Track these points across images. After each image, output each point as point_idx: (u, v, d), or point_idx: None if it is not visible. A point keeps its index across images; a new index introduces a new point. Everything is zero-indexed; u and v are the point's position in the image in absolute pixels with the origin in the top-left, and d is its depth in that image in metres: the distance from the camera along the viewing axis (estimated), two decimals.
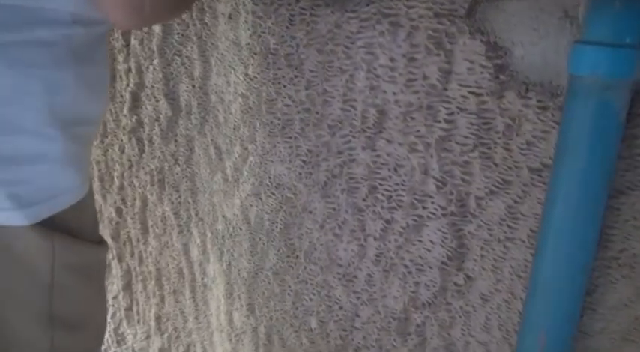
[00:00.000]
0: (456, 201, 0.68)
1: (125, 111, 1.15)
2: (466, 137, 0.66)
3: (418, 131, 0.69)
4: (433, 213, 0.71)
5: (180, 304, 1.18)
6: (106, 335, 1.43)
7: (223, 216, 1.01)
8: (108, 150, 1.24)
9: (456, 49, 0.64)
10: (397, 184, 0.73)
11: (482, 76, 0.63)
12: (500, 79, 0.62)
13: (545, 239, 0.58)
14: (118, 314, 1.37)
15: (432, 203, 0.71)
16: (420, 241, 0.73)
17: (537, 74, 0.60)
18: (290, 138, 0.85)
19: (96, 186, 1.30)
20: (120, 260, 1.30)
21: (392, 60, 0.70)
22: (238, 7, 0.88)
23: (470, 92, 0.65)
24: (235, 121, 0.94)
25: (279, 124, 0.86)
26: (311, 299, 0.89)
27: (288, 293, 0.92)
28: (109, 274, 1.36)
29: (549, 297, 0.59)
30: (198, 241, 1.08)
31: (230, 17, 0.91)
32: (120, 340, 1.39)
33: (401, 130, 0.71)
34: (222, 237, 1.02)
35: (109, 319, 1.40)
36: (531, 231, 0.63)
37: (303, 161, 0.84)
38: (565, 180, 0.56)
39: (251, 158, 0.93)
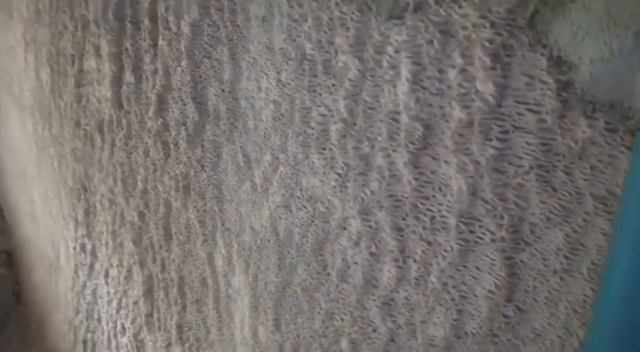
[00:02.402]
0: (508, 227, 0.63)
1: (150, 114, 1.11)
2: (521, 158, 0.61)
3: (467, 149, 0.64)
4: (481, 238, 0.66)
5: (202, 314, 1.14)
6: (125, 340, 1.41)
7: (251, 227, 0.97)
8: (132, 153, 1.20)
9: (513, 63, 0.59)
10: (441, 204, 0.68)
11: (543, 92, 0.58)
12: (563, 96, 0.56)
13: (610, 275, 0.53)
14: (138, 320, 1.34)
15: (480, 227, 0.65)
16: (464, 266, 0.68)
17: (607, 93, 0.54)
18: (324, 149, 0.81)
19: (118, 188, 1.27)
20: (141, 265, 1.27)
21: (440, 71, 0.65)
22: (273, 9, 0.84)
23: (527, 109, 0.59)
24: (266, 129, 0.89)
25: (313, 134, 0.82)
26: (342, 320, 0.84)
27: (318, 312, 0.88)
28: (130, 279, 1.33)
29: (613, 339, 0.53)
30: (223, 251, 1.04)
31: (264, 20, 0.86)
32: (140, 346, 1.36)
33: (448, 147, 0.66)
34: (249, 248, 0.98)
35: (128, 324, 1.38)
36: (593, 263, 0.58)
37: (339, 174, 0.79)
38: (636, 211, 0.50)
39: (282, 168, 0.88)
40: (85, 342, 1.60)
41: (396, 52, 0.69)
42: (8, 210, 2.02)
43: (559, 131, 0.58)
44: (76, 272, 1.57)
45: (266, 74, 0.87)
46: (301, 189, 0.86)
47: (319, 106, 0.80)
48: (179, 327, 1.21)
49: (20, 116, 1.71)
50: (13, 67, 1.70)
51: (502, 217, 0.63)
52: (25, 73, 1.60)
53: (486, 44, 0.60)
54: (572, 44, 0.55)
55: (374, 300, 0.79)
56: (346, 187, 0.79)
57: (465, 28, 0.62)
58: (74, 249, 1.55)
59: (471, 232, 0.67)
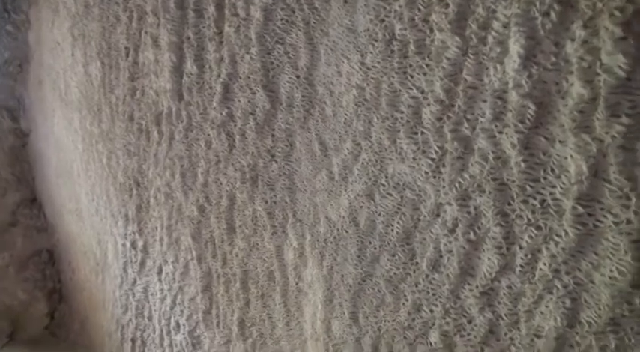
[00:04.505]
0: (636, 209, 0.59)
1: (214, 104, 1.09)
2: None
3: (587, 127, 0.61)
4: (600, 221, 0.62)
5: (268, 309, 1.11)
6: (180, 338, 1.38)
7: (327, 218, 0.94)
8: (192, 145, 1.18)
9: None
10: (554, 187, 0.65)
11: None
12: None
13: None
14: (194, 317, 1.31)
15: (601, 209, 0.62)
16: (580, 252, 0.64)
17: None
18: (415, 133, 0.77)
19: (176, 182, 1.25)
20: (200, 261, 1.25)
21: (557, 45, 0.61)
22: None
23: None
24: (347, 115, 0.86)
25: (402, 118, 0.79)
26: (432, 311, 0.81)
27: (404, 303, 0.85)
28: (187, 276, 1.30)
29: None
30: (294, 243, 1.01)
31: (345, 1, 0.83)
32: (195, 343, 1.33)
33: (564, 126, 0.62)
34: (325, 239, 0.95)
35: (184, 321, 1.35)
36: None
37: (432, 159, 0.76)
38: None
39: (364, 155, 0.85)
40: (133, 340, 1.58)
41: (505, 27, 0.65)
42: (51, 207, 2.01)
43: None
44: (124, 269, 1.55)
45: (347, 58, 0.84)
46: (387, 177, 0.83)
47: (410, 89, 0.77)
48: (241, 323, 1.19)
49: (66, 112, 1.69)
50: (58, 63, 1.69)
51: (629, 198, 0.60)
52: (72, 69, 1.59)
53: (616, 13, 0.57)
54: None
55: (470, 290, 0.76)
56: (441, 172, 0.76)
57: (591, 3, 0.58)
58: (123, 246, 1.53)
59: (590, 215, 0.63)
